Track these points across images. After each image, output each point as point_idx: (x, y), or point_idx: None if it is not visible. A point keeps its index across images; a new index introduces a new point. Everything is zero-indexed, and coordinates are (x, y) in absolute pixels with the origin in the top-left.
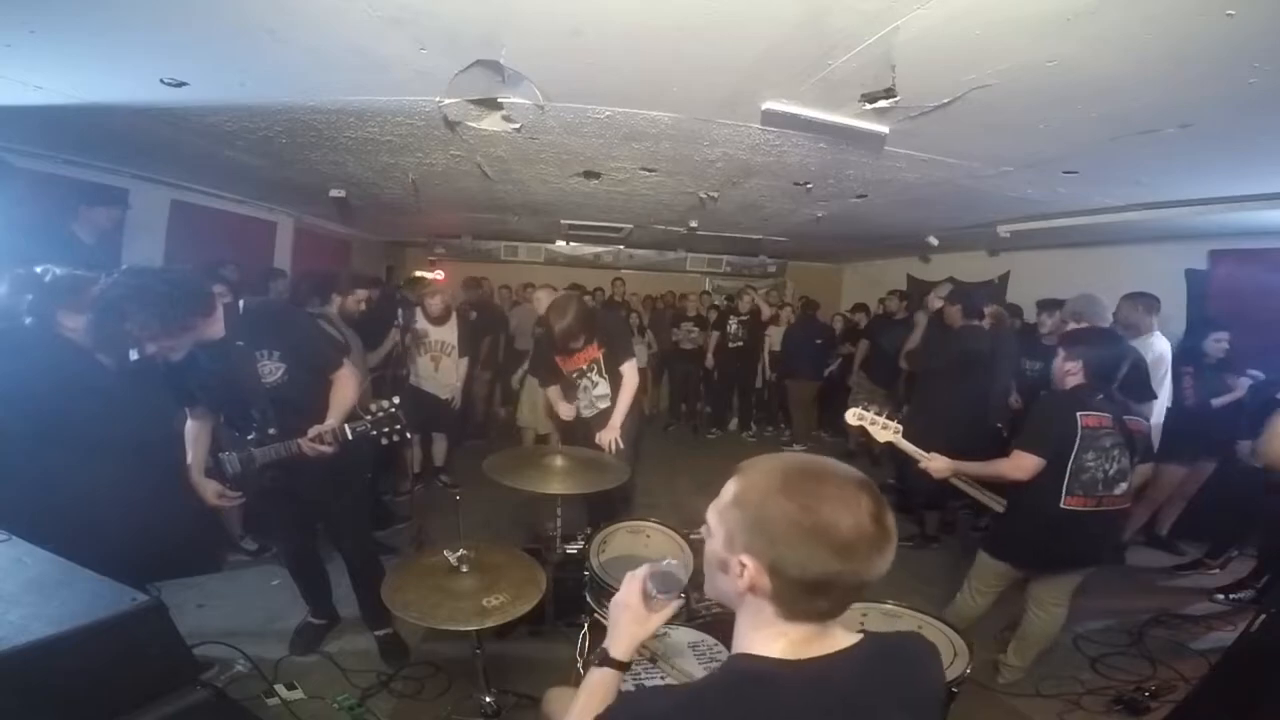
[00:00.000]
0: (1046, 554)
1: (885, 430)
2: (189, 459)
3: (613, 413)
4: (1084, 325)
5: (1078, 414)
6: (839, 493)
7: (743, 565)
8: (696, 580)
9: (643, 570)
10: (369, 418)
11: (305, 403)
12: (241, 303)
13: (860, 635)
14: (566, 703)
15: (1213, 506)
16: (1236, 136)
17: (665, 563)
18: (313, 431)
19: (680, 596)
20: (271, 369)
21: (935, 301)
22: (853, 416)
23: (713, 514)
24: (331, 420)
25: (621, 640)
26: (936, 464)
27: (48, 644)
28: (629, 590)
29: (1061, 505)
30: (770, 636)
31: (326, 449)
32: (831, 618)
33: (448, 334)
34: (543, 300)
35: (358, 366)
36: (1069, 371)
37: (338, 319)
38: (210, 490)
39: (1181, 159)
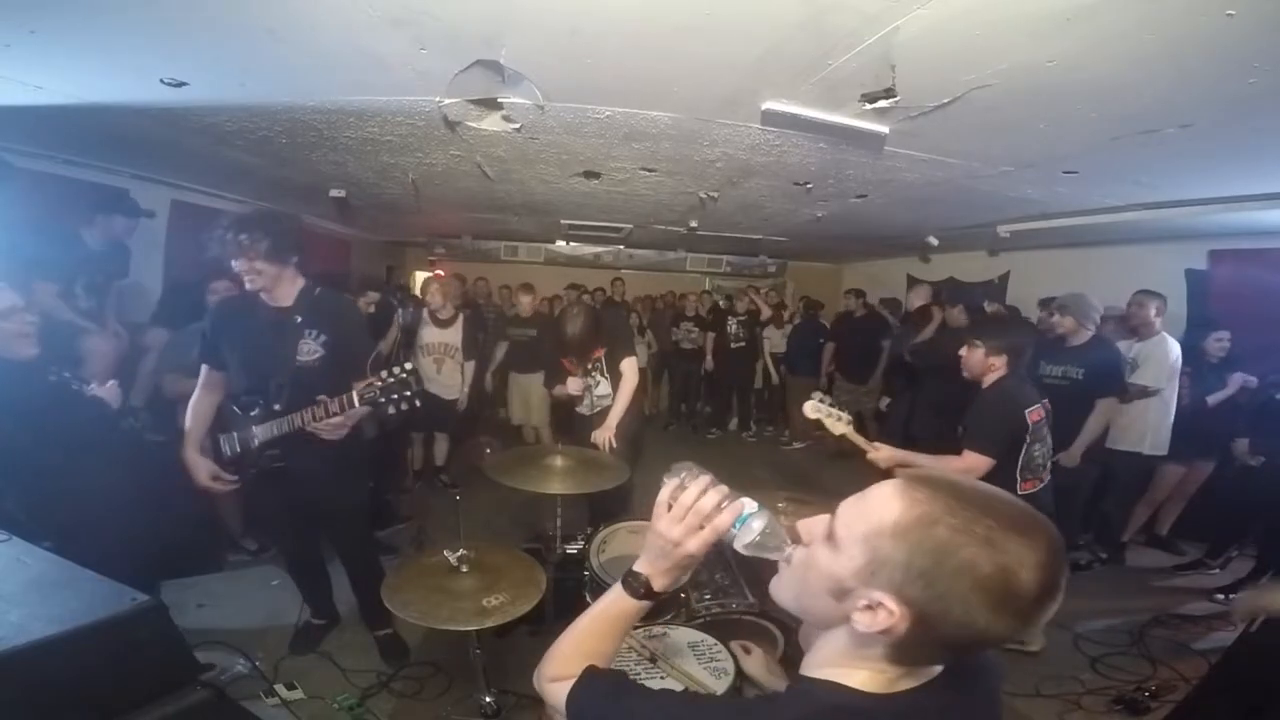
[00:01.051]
0: None
1: (840, 422)
2: (187, 430)
3: (610, 411)
4: (999, 314)
5: (1025, 411)
6: (1037, 553)
7: (878, 605)
8: (696, 579)
9: (728, 507)
10: (379, 383)
11: (322, 391)
12: (318, 290)
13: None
14: None
15: (1213, 506)
16: (1236, 136)
17: (760, 513)
18: (319, 399)
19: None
20: (311, 349)
21: (915, 302)
22: (810, 409)
23: (850, 530)
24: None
25: (669, 575)
26: (881, 454)
27: (48, 644)
28: (697, 533)
29: (1018, 491)
30: (858, 669)
31: (335, 421)
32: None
33: (451, 336)
34: (524, 304)
35: None
36: (992, 366)
37: None
38: (204, 470)
39: (1181, 159)
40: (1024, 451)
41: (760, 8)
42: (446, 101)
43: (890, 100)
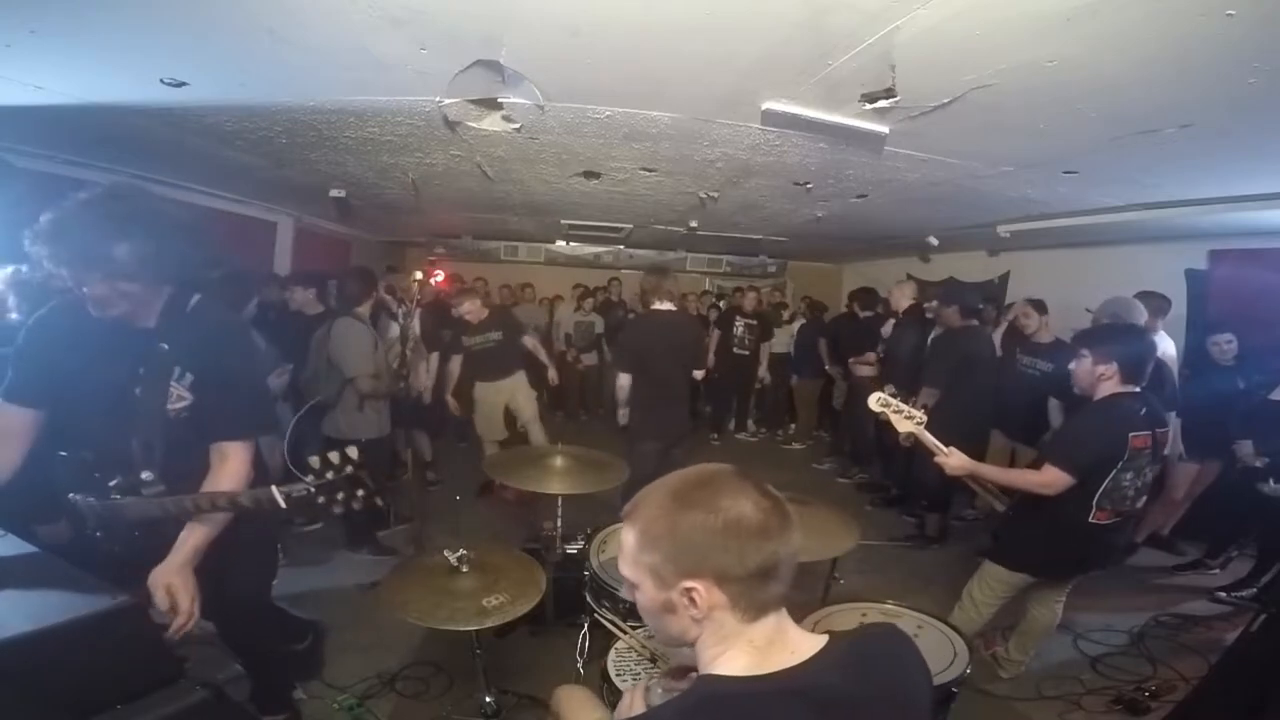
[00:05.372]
0: (1067, 563)
1: (909, 420)
2: None
3: None
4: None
5: (1129, 434)
6: (726, 486)
7: (689, 590)
8: None
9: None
10: (311, 478)
11: (194, 454)
12: (196, 298)
13: (825, 638)
14: (577, 700)
15: (1213, 506)
16: (1236, 136)
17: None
18: (206, 489)
19: None
20: (179, 395)
21: (898, 298)
22: (875, 402)
23: (626, 568)
24: (226, 486)
25: None
26: (953, 460)
27: (30, 639)
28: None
29: (1090, 520)
30: (733, 654)
31: (219, 519)
32: (783, 603)
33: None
34: (468, 310)
35: (377, 367)
36: (1102, 375)
37: (367, 319)
38: None
39: (1181, 159)
40: (1112, 476)
41: (760, 8)
42: (446, 101)
43: (890, 100)
